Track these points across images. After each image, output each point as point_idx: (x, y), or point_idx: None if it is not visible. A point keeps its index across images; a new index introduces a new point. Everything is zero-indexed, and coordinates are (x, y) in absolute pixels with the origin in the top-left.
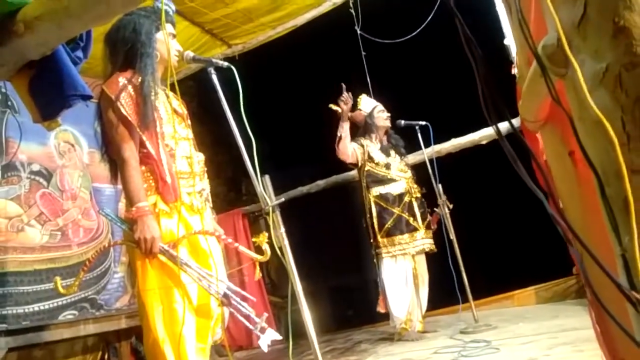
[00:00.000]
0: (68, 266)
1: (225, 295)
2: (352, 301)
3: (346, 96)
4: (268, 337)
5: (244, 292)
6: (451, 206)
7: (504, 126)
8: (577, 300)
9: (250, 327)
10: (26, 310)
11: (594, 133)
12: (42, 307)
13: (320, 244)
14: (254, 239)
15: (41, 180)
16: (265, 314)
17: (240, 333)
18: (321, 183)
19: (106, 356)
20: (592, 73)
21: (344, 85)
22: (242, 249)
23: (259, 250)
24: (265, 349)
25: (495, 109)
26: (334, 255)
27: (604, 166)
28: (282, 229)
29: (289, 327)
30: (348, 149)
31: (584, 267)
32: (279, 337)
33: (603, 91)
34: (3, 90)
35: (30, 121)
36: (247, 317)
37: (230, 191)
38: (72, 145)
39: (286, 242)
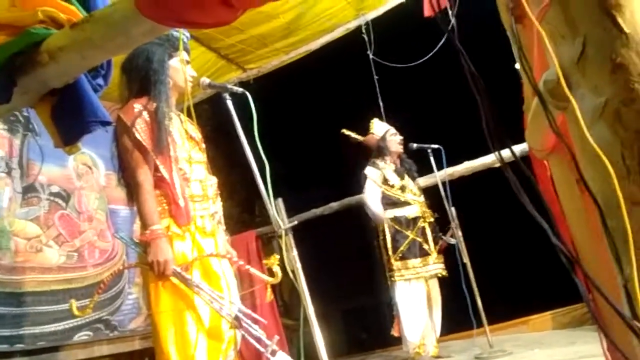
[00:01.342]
0: (83, 287)
1: (236, 318)
2: (365, 325)
3: None
4: None
5: (255, 315)
6: (460, 233)
7: (509, 154)
8: (595, 326)
9: (261, 349)
10: (43, 331)
11: (594, 165)
12: (58, 328)
13: (333, 267)
14: (265, 261)
15: (60, 201)
16: (277, 337)
17: (251, 356)
18: (334, 205)
19: None
20: (592, 107)
21: None
22: (254, 271)
23: (271, 272)
24: None
25: (500, 141)
26: (347, 278)
27: (606, 198)
28: (295, 252)
29: (300, 350)
30: (379, 209)
31: (587, 296)
32: None
33: (603, 125)
34: (25, 114)
35: (50, 144)
36: (258, 340)
37: (243, 212)
38: (90, 168)
39: (299, 265)
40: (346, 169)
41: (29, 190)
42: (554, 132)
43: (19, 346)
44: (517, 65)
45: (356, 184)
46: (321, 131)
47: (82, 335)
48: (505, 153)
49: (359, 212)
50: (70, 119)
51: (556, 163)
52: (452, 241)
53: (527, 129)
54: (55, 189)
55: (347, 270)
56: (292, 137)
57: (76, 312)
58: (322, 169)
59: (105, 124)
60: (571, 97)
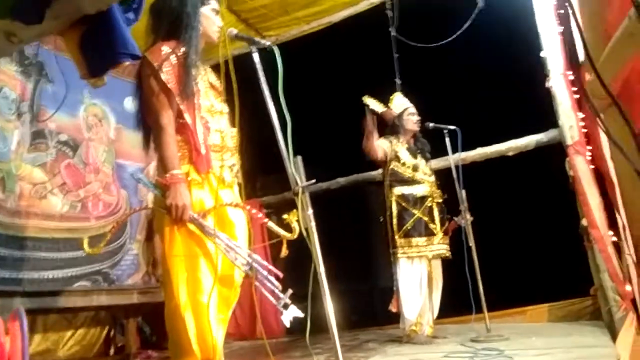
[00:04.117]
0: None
1: (251, 268)
2: (360, 302)
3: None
4: (291, 314)
5: (270, 267)
6: (471, 218)
7: (527, 140)
8: (591, 321)
9: (274, 301)
10: (41, 277)
11: None
12: (57, 275)
13: (335, 244)
14: (284, 216)
15: (67, 150)
16: (290, 290)
17: (245, 322)
18: (341, 180)
19: (112, 332)
20: None
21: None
22: (271, 224)
23: (287, 229)
24: (287, 324)
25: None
26: (347, 256)
27: None
28: (310, 210)
29: (308, 310)
30: (376, 147)
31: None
32: (301, 315)
33: None
34: (39, 59)
35: (62, 91)
36: (272, 292)
37: (247, 184)
38: (100, 120)
39: (313, 224)
40: (359, 145)
41: (37, 136)
42: None
43: (19, 288)
44: (543, 54)
45: (367, 162)
46: (336, 106)
47: (80, 285)
48: (520, 142)
49: (366, 190)
50: (99, 49)
51: (613, 118)
52: (463, 223)
53: (589, 79)
54: (63, 137)
55: (348, 249)
56: (305, 110)
57: (87, 249)
58: (333, 143)
59: (135, 57)
60: None
